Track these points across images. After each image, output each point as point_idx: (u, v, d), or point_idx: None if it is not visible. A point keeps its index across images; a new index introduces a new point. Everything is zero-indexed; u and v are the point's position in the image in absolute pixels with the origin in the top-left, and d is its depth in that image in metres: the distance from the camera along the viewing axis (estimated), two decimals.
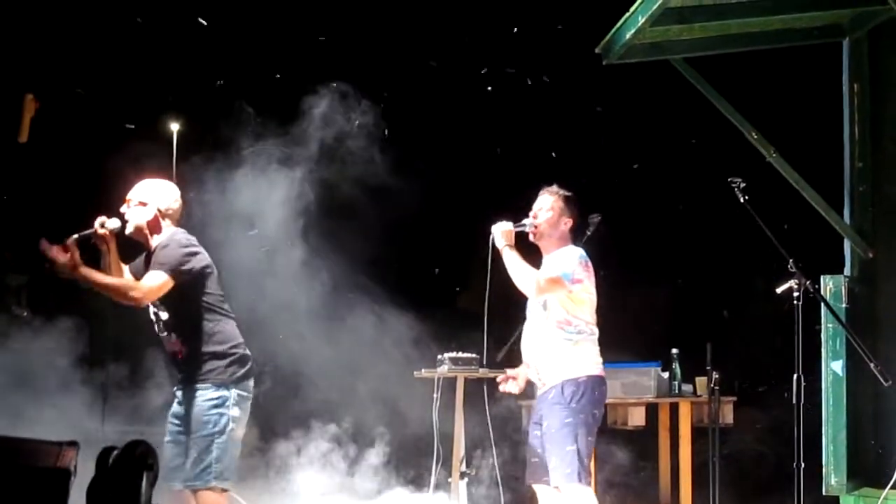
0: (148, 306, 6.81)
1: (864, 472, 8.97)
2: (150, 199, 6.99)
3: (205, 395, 6.66)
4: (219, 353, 6.71)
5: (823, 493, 9.02)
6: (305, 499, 9.81)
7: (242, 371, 6.74)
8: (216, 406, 6.64)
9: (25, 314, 13.72)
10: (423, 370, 9.63)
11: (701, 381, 9.68)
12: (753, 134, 9.29)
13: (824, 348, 9.07)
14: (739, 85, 10.32)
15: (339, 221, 11.79)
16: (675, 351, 9.68)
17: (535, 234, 7.43)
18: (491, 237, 7.31)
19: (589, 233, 8.37)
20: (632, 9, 8.65)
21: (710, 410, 8.82)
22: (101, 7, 15.01)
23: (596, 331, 7.36)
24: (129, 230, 6.96)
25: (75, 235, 6.90)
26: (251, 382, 6.79)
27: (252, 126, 11.02)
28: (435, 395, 9.31)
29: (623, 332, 9.79)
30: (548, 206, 7.51)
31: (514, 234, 7.26)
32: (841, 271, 9.36)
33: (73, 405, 11.45)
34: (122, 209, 7.00)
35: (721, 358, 9.02)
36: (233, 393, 6.66)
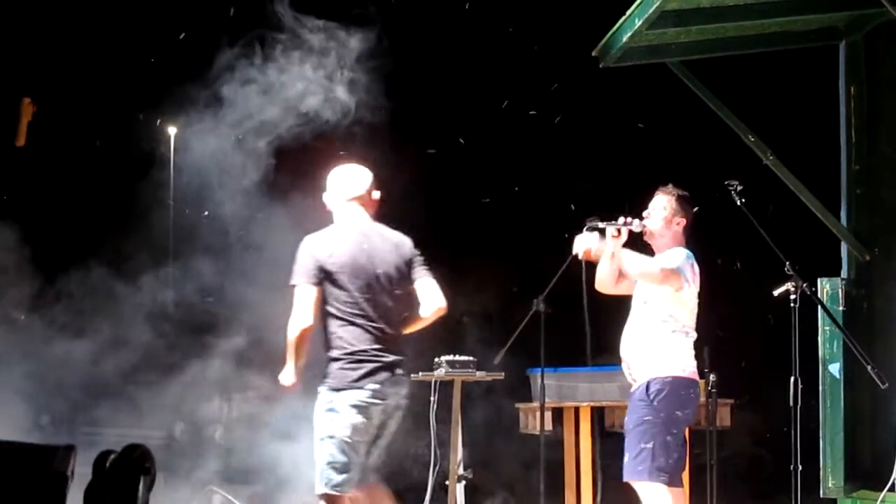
0: None
1: (861, 475, 8.98)
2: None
3: (320, 397, 6.60)
4: (334, 357, 6.61)
5: (821, 496, 9.03)
6: (302, 499, 9.80)
7: (356, 375, 6.57)
8: (327, 410, 6.56)
9: (22, 318, 13.70)
10: (420, 373, 9.62)
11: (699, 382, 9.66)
12: (750, 137, 9.30)
13: (821, 351, 9.08)
14: (736, 88, 10.33)
15: None
16: None
17: (646, 234, 7.37)
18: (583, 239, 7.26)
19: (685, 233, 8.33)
20: (628, 12, 8.65)
21: (708, 413, 8.81)
22: (100, 9, 15.00)
23: (693, 334, 7.29)
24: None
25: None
26: (371, 387, 6.57)
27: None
28: (432, 399, 9.30)
29: (621, 335, 9.80)
30: (661, 205, 7.45)
31: (625, 234, 7.16)
32: (838, 274, 9.37)
33: None
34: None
35: (718, 361, 9.01)
36: (342, 397, 6.54)
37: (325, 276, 6.57)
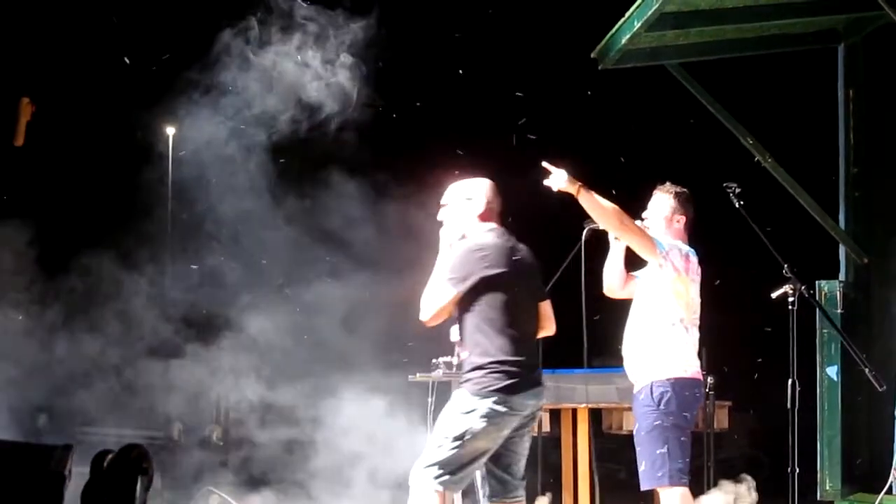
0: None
1: (858, 478, 8.99)
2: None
3: (459, 399, 6.51)
4: (480, 364, 6.51)
5: (818, 499, 9.03)
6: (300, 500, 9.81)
7: (501, 385, 6.46)
8: (464, 412, 6.46)
9: (20, 318, 13.70)
10: (417, 374, 9.62)
11: None
12: (749, 139, 9.31)
13: (819, 354, 9.08)
14: (735, 90, 10.33)
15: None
16: None
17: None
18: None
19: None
20: (627, 14, 8.65)
21: (706, 415, 8.81)
22: (98, 9, 15.00)
23: (693, 331, 7.27)
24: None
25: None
26: (512, 398, 6.46)
27: None
28: (429, 400, 9.29)
29: (619, 337, 9.80)
30: (661, 204, 7.45)
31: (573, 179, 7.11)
32: (836, 276, 9.37)
33: None
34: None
35: (717, 363, 9.02)
36: (483, 403, 6.42)
37: (482, 285, 6.51)
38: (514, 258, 6.64)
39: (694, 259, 7.27)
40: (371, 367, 10.95)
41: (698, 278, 7.32)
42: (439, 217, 6.84)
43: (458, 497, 7.91)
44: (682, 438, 7.03)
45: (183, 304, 12.59)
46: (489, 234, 6.68)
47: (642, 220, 7.30)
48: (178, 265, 12.59)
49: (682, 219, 7.36)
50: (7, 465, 5.78)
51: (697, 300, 7.29)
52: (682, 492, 7.00)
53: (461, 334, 6.63)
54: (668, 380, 7.00)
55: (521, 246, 6.77)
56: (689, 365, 7.13)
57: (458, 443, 6.41)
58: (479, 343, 6.50)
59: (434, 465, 6.43)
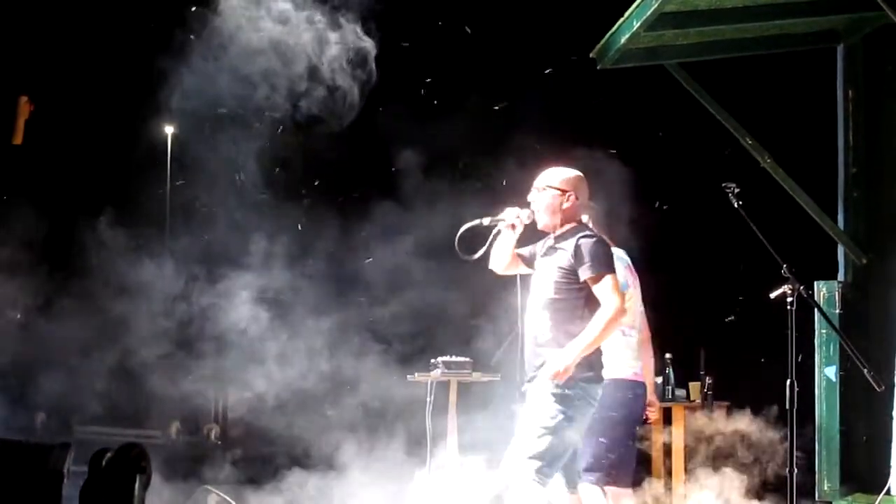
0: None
1: (857, 478, 8.98)
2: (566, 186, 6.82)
3: (547, 389, 6.50)
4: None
5: (817, 499, 9.02)
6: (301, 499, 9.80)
7: (592, 374, 6.53)
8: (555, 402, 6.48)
9: (18, 317, 13.70)
10: (416, 374, 9.63)
11: (694, 385, 9.68)
12: (748, 139, 9.31)
13: (818, 354, 9.07)
14: (734, 90, 10.31)
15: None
16: (668, 356, 9.68)
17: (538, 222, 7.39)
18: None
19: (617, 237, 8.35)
20: (626, 13, 8.65)
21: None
22: (96, 9, 14.99)
23: (631, 333, 7.33)
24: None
25: (484, 220, 6.86)
26: (596, 389, 6.57)
27: None
28: (428, 399, 9.31)
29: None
30: (594, 214, 7.48)
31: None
32: (835, 277, 9.37)
33: None
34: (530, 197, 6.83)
35: (714, 363, 9.02)
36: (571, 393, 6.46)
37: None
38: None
39: (629, 263, 7.35)
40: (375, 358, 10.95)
41: (637, 282, 7.39)
42: (529, 198, 6.83)
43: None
44: (602, 439, 7.08)
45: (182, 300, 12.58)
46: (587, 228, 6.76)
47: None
48: (178, 263, 12.57)
49: (574, 200, 7.41)
50: (5, 463, 5.78)
51: (638, 305, 7.35)
52: (590, 489, 7.06)
53: (551, 323, 6.59)
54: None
55: None
56: (624, 367, 7.20)
57: (551, 432, 6.41)
58: (575, 334, 6.48)
59: (533, 457, 6.41)
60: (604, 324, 6.41)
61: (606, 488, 7.25)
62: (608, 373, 7.03)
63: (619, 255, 7.41)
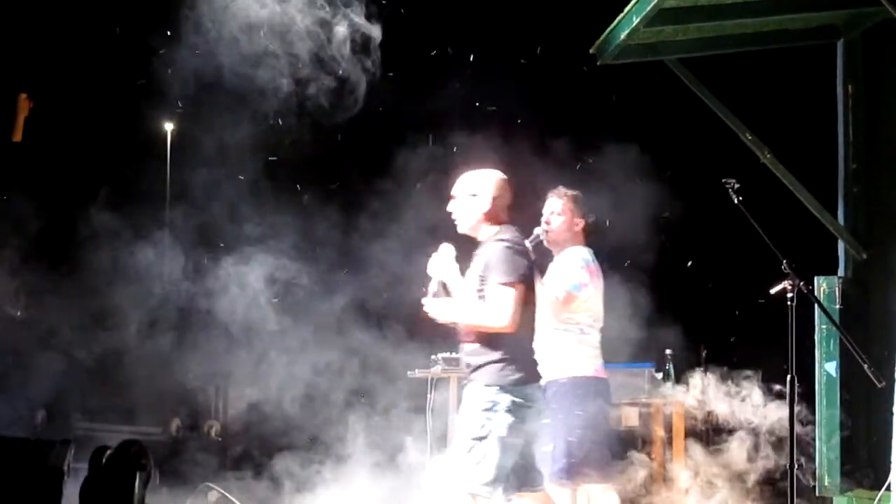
0: None
1: (857, 474, 8.98)
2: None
3: (479, 395, 6.45)
4: (500, 358, 6.46)
5: (817, 495, 9.02)
6: (303, 498, 9.80)
7: (521, 376, 6.43)
8: (486, 409, 6.41)
9: (18, 314, 13.70)
10: (416, 370, 9.62)
11: (694, 381, 9.67)
12: (748, 135, 9.30)
13: (818, 349, 9.07)
14: (734, 86, 10.31)
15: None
16: (668, 352, 9.68)
17: (549, 241, 7.45)
18: None
19: (585, 232, 8.38)
20: (626, 9, 8.65)
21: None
22: (95, 7, 14.99)
23: (590, 331, 7.37)
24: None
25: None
26: (530, 390, 6.46)
27: None
28: (429, 396, 9.31)
29: (617, 333, 9.79)
30: (558, 209, 7.52)
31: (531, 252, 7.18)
32: (835, 272, 9.37)
33: None
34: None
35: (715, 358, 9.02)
36: (503, 396, 6.37)
37: (524, 280, 6.47)
38: (530, 255, 6.68)
39: (595, 265, 7.37)
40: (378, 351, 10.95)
41: (601, 282, 7.41)
42: (449, 208, 6.76)
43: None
44: (571, 439, 7.10)
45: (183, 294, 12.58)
46: (513, 231, 6.65)
47: (546, 224, 7.41)
48: (178, 261, 12.57)
49: (581, 221, 7.47)
50: (6, 460, 5.78)
51: (600, 305, 7.38)
52: (561, 492, 7.06)
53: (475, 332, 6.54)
54: (560, 380, 7.10)
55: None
56: (584, 364, 7.22)
57: (488, 440, 6.36)
58: (504, 337, 6.43)
59: (476, 471, 6.37)
60: (481, 324, 6.41)
61: (585, 486, 7.24)
62: (567, 372, 7.06)
63: (580, 255, 7.43)
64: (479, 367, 6.47)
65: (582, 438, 7.21)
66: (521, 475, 6.53)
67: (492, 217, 6.63)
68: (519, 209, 7.31)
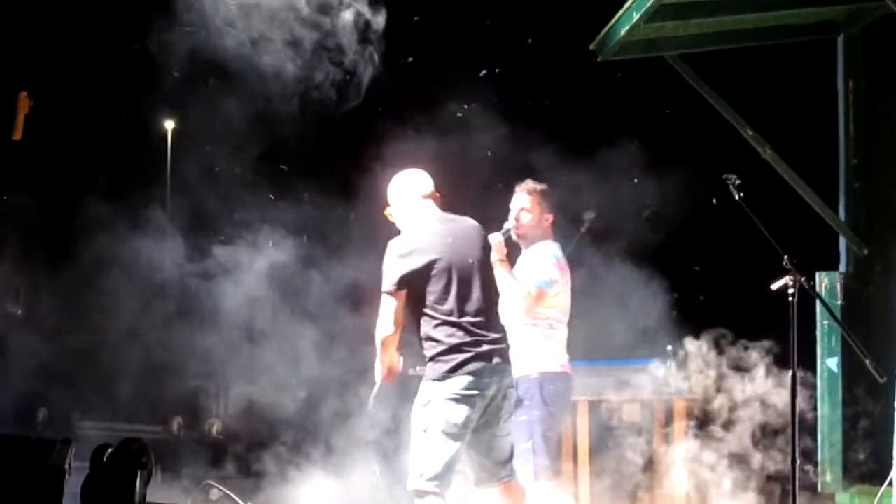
0: None
1: (859, 470, 8.97)
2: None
3: (419, 393, 6.53)
4: (430, 356, 6.51)
5: (819, 491, 9.02)
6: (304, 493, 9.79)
7: (451, 366, 6.42)
8: (424, 404, 6.47)
9: (19, 312, 13.71)
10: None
11: (697, 378, 9.66)
12: (748, 131, 9.30)
13: (819, 345, 9.06)
14: (734, 82, 10.30)
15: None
16: (670, 348, 9.67)
17: (518, 237, 7.45)
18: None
19: (583, 230, 8.36)
20: (626, 5, 8.65)
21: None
22: (94, 5, 15.00)
23: (559, 326, 7.37)
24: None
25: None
26: (466, 377, 6.41)
27: None
28: None
29: (618, 329, 9.78)
30: (527, 205, 7.51)
31: (503, 245, 7.21)
32: (836, 268, 9.36)
33: None
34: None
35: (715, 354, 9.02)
36: (438, 389, 6.41)
37: (413, 280, 6.47)
38: (448, 240, 6.59)
39: (563, 261, 7.37)
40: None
41: (569, 278, 7.41)
42: (394, 221, 6.85)
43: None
44: (549, 434, 7.11)
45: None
46: (418, 225, 6.66)
47: (516, 220, 7.42)
48: (178, 261, 12.58)
49: (550, 217, 7.49)
50: (7, 459, 5.78)
51: (568, 300, 7.38)
52: (547, 486, 7.07)
53: (413, 328, 6.60)
54: (531, 376, 7.10)
55: (456, 221, 6.74)
56: (553, 360, 7.22)
57: (429, 434, 6.40)
58: (426, 335, 6.50)
59: (418, 466, 6.41)
60: (377, 340, 6.56)
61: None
62: (537, 367, 7.06)
63: (551, 251, 7.43)
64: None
65: (554, 433, 7.25)
66: (479, 469, 6.56)
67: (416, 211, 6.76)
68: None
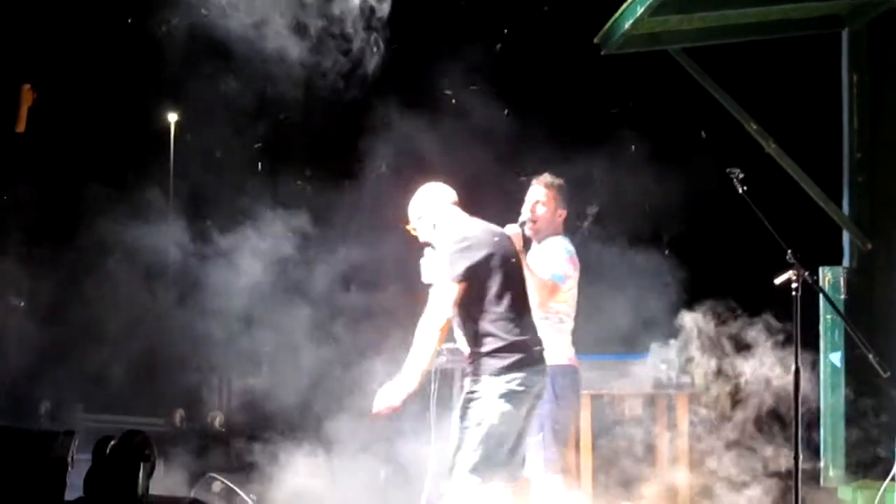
0: None
1: (862, 465, 8.97)
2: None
3: (468, 386, 6.57)
4: (483, 352, 6.57)
5: (821, 485, 9.02)
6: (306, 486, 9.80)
7: (507, 363, 6.49)
8: (475, 399, 6.50)
9: (21, 304, 13.72)
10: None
11: (699, 373, 9.66)
12: (752, 125, 9.29)
13: (822, 340, 9.06)
14: (738, 76, 10.30)
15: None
16: (672, 341, 9.67)
17: (531, 230, 7.46)
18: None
19: (585, 224, 8.37)
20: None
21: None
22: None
23: (568, 321, 7.40)
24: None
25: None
26: (520, 375, 6.50)
27: None
28: (432, 387, 9.27)
29: (621, 324, 9.78)
30: (543, 198, 7.53)
31: (521, 237, 7.20)
32: (839, 262, 9.36)
33: None
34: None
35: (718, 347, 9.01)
36: (491, 385, 6.46)
37: (476, 272, 6.52)
38: (494, 239, 6.70)
39: (575, 256, 7.39)
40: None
41: (578, 273, 7.44)
42: (422, 239, 6.92)
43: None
44: (556, 427, 7.12)
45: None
46: (463, 226, 6.73)
47: (531, 212, 7.42)
48: (181, 247, 12.58)
49: (564, 213, 7.50)
50: (10, 451, 5.79)
51: (576, 295, 7.41)
52: (556, 479, 7.08)
53: (462, 323, 6.62)
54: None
55: (492, 227, 6.83)
56: (563, 354, 7.24)
57: (480, 428, 6.42)
58: (481, 331, 6.54)
59: (468, 461, 6.42)
60: (428, 331, 6.59)
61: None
62: (549, 360, 7.07)
63: (564, 246, 7.45)
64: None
65: (567, 425, 7.26)
66: (509, 465, 6.56)
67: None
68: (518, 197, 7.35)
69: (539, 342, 6.68)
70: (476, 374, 6.51)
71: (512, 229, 7.06)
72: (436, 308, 6.49)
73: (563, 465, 7.30)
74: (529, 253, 7.47)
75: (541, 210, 7.52)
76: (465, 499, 6.40)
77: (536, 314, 7.18)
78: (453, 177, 7.06)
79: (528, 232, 7.47)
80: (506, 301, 6.55)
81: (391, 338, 10.78)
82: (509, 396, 6.44)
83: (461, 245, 6.55)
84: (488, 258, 6.55)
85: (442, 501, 6.59)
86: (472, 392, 6.50)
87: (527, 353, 6.54)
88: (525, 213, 7.51)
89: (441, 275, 6.51)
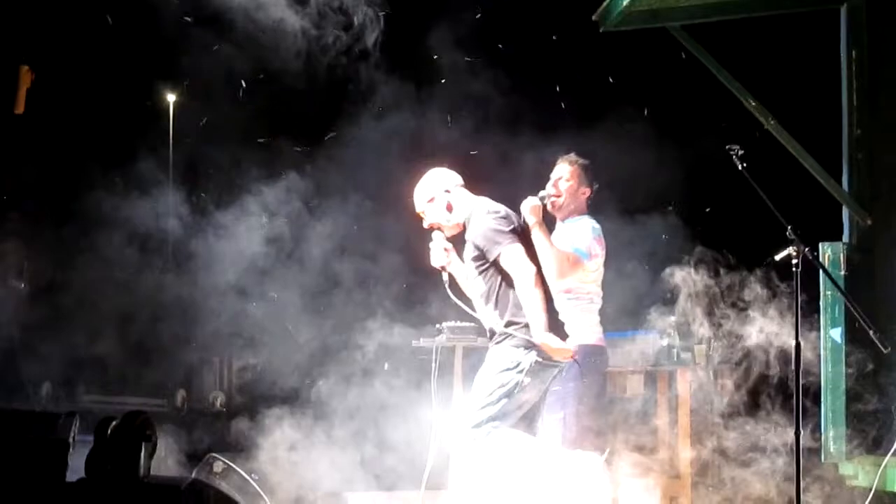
0: None
1: (863, 440, 8.98)
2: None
3: (501, 353, 6.67)
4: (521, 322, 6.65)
5: (822, 461, 9.03)
6: (309, 474, 9.81)
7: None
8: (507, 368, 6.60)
9: (22, 286, 13.72)
10: (421, 339, 9.60)
11: (699, 349, 9.66)
12: (751, 101, 9.28)
13: (823, 316, 9.06)
14: (737, 52, 10.28)
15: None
16: (672, 319, 9.66)
17: (553, 206, 7.49)
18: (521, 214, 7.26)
19: (588, 203, 8.38)
20: None
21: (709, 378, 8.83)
22: None
23: (598, 301, 7.44)
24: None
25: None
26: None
27: None
28: (433, 365, 9.29)
29: (622, 301, 9.77)
30: (566, 175, 7.57)
31: (541, 209, 7.21)
32: (839, 238, 9.36)
33: None
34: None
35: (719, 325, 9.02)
36: (526, 356, 6.58)
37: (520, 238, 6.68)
38: (512, 216, 6.82)
39: (602, 237, 7.42)
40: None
41: (604, 252, 7.46)
42: (430, 222, 7.00)
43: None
44: (580, 406, 7.14)
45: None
46: (488, 203, 6.83)
47: (554, 187, 7.45)
48: (183, 226, 12.58)
49: (587, 191, 7.54)
50: (12, 432, 5.80)
51: (602, 273, 7.43)
52: (579, 455, 7.09)
53: (496, 294, 6.70)
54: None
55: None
56: (591, 333, 7.27)
57: (504, 389, 6.54)
58: (512, 300, 6.63)
59: (486, 410, 6.53)
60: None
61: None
62: (578, 339, 7.09)
63: (591, 224, 7.49)
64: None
65: (592, 405, 7.27)
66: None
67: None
68: (523, 176, 7.35)
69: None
70: (509, 345, 6.61)
71: (531, 201, 7.10)
72: (524, 266, 6.56)
73: (585, 444, 7.29)
74: (554, 232, 7.50)
75: (563, 186, 7.56)
76: (482, 445, 6.54)
77: (566, 295, 7.23)
78: (452, 151, 7.09)
79: (549, 207, 7.49)
80: (539, 277, 6.65)
81: (394, 314, 10.81)
82: (540, 370, 6.59)
83: (499, 214, 6.71)
84: (517, 229, 6.71)
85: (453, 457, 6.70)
86: (503, 361, 6.60)
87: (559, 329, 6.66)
88: (549, 188, 7.57)
89: (499, 246, 6.62)
